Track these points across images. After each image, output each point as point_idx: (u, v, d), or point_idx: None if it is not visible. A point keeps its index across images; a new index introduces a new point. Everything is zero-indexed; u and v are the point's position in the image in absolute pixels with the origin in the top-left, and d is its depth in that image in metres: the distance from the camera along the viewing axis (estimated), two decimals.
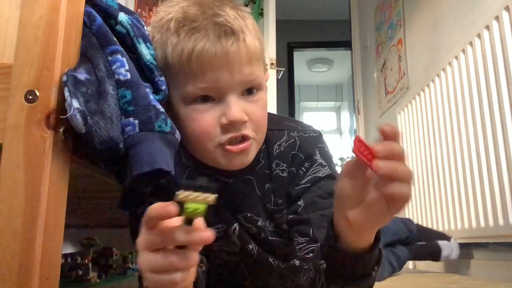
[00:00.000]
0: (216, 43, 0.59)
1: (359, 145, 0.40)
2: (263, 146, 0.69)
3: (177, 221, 0.40)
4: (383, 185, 0.39)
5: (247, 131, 0.62)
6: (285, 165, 0.69)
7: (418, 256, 1.63)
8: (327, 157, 0.69)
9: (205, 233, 0.40)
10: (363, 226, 0.44)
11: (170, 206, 0.38)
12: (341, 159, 5.16)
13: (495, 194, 1.36)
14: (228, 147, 0.62)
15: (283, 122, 0.73)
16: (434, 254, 1.62)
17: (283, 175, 0.69)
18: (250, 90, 0.64)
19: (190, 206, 0.37)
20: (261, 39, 0.66)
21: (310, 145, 0.70)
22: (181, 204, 0.38)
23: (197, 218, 0.39)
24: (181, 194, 0.37)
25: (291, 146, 0.69)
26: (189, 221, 0.39)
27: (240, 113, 0.61)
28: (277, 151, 0.69)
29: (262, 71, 0.67)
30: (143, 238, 0.41)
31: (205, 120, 0.61)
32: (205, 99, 0.62)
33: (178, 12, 0.63)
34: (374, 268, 0.50)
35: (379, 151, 0.38)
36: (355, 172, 0.42)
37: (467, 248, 1.68)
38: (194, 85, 0.61)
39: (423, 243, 1.63)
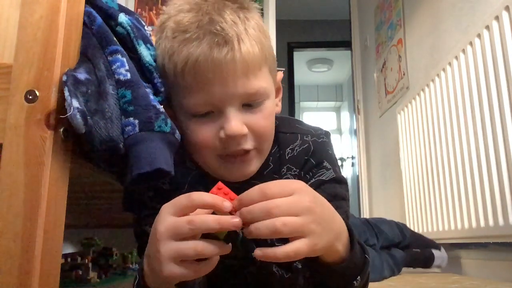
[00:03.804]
0: (208, 55, 0.56)
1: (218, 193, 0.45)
2: (275, 149, 0.68)
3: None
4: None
5: (248, 145, 0.60)
6: (297, 170, 0.67)
7: (412, 262, 1.66)
8: (332, 160, 0.68)
9: (234, 218, 0.43)
10: None
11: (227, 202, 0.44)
12: (341, 159, 5.17)
13: (495, 194, 1.36)
14: (228, 158, 0.60)
15: (295, 125, 0.71)
16: (427, 262, 1.67)
17: (294, 179, 0.67)
18: (251, 103, 0.60)
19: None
20: (264, 43, 0.62)
21: (322, 151, 0.68)
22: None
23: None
24: None
25: (305, 151, 0.67)
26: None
27: (239, 127, 0.58)
28: (289, 155, 0.67)
29: (266, 79, 0.62)
30: (169, 224, 0.44)
31: (205, 133, 0.59)
32: (204, 115, 0.60)
33: (173, 20, 0.61)
34: (356, 279, 0.53)
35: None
36: None
37: (467, 248, 1.68)
38: (189, 99, 0.59)
39: (417, 250, 1.68)
